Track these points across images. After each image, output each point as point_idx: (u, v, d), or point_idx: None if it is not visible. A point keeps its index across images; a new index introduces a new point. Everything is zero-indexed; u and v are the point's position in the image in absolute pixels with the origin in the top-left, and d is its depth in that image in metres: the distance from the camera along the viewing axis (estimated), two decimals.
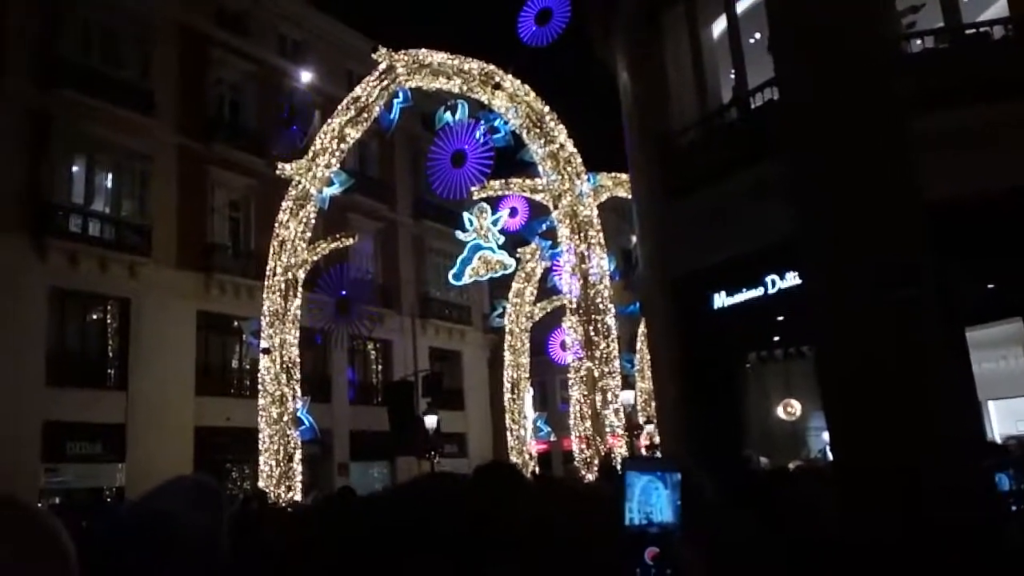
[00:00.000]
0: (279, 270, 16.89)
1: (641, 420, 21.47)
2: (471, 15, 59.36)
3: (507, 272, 18.66)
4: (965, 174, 8.58)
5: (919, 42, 9.58)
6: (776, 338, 13.03)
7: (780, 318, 11.66)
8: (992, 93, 8.76)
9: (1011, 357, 12.90)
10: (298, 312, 16.83)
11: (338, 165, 16.94)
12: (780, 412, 15.35)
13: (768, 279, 10.54)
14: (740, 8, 11.53)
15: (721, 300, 11.39)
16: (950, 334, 8.92)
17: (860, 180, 9.13)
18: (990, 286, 10.53)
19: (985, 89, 8.82)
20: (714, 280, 11.39)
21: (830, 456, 10.73)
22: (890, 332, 8.76)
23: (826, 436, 11.79)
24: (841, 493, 6.01)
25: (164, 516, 1.68)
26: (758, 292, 10.75)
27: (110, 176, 21.12)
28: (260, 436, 16.34)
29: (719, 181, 10.92)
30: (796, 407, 15.17)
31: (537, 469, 20.24)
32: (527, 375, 21.67)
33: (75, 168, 20.43)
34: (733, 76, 11.63)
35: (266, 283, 17.14)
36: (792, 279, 10.17)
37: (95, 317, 20.98)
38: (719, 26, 12.47)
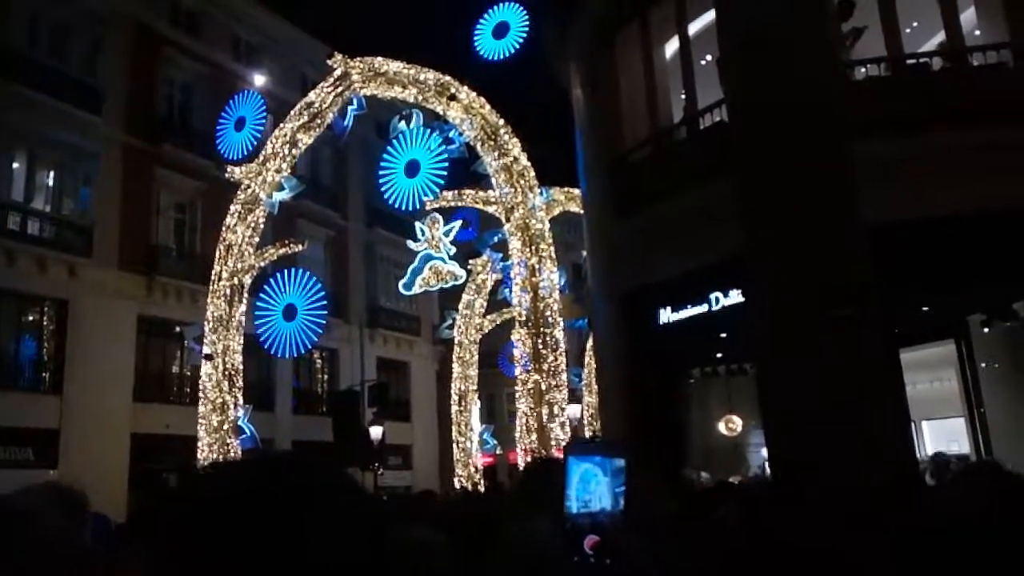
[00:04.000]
0: (225, 275, 16.59)
1: (587, 434, 21.55)
2: (428, 26, 59.38)
3: (457, 283, 18.61)
4: (902, 199, 8.87)
5: (863, 70, 9.90)
6: (719, 355, 13.26)
7: (723, 335, 11.87)
8: (930, 121, 9.08)
9: (944, 379, 13.32)
10: (243, 318, 16.53)
11: (289, 170, 16.76)
12: (722, 428, 15.57)
13: (712, 296, 10.73)
14: (692, 30, 11.77)
15: (667, 316, 11.55)
16: (887, 354, 9.18)
17: (804, 202, 9.37)
18: (925, 309, 10.88)
19: (924, 117, 9.14)
20: (660, 296, 11.55)
21: (768, 472, 10.94)
22: (830, 351, 8.98)
23: (765, 452, 12.02)
24: (778, 507, 6.13)
25: (20, 515, 1.71)
26: (702, 309, 10.93)
27: (52, 174, 20.55)
28: (199, 444, 15.97)
29: (668, 199, 11.10)
30: (737, 423, 15.40)
31: (483, 481, 20.17)
32: (475, 387, 21.61)
33: (15, 164, 19.83)
34: (684, 96, 11.85)
35: (211, 288, 16.81)
36: (736, 297, 10.36)
37: (31, 318, 20.32)
38: (671, 47, 12.71)
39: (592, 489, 1.82)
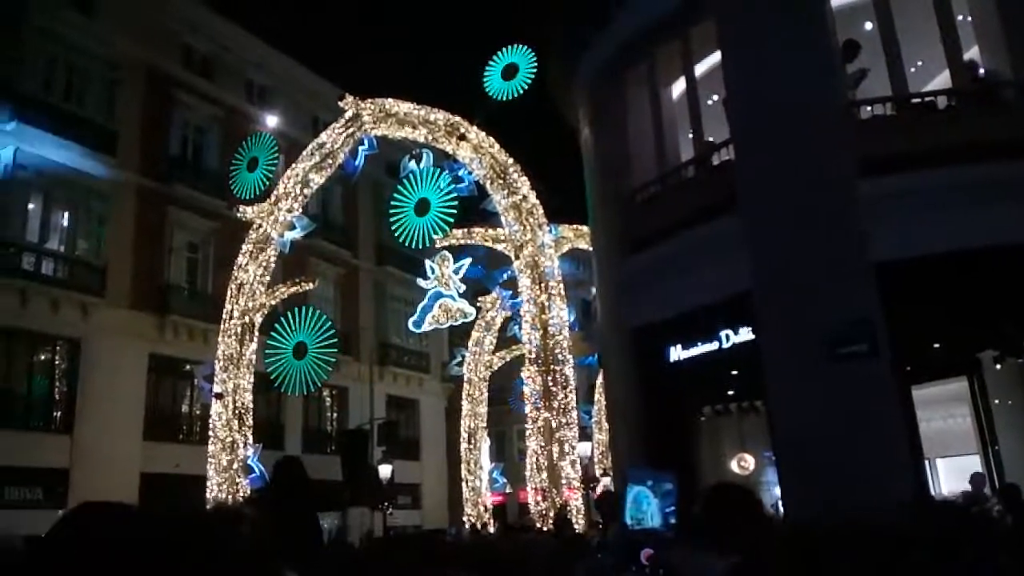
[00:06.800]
0: (236, 313, 16.68)
1: (598, 472, 21.38)
2: (439, 66, 60.30)
3: (467, 320, 18.67)
4: (911, 236, 8.90)
5: (869, 109, 10.00)
6: (730, 392, 13.19)
7: (734, 372, 11.83)
8: (936, 159, 9.14)
9: (959, 416, 13.19)
10: (253, 357, 16.58)
11: (300, 210, 16.92)
12: (734, 466, 15.42)
13: (723, 334, 10.73)
14: (698, 71, 11.93)
15: (677, 353, 11.53)
16: (898, 391, 9.15)
17: (812, 240, 9.41)
18: (936, 346, 10.83)
19: (930, 155, 9.20)
20: (670, 333, 11.55)
21: (781, 510, 10.82)
22: (840, 387, 8.95)
23: (778, 491, 11.89)
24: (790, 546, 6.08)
25: None
26: (713, 346, 10.91)
27: (66, 214, 20.80)
28: (209, 484, 15.94)
29: (676, 236, 11.17)
30: (750, 461, 15.26)
31: (492, 521, 19.99)
32: (484, 425, 21.53)
33: (31, 205, 20.08)
34: (691, 135, 11.97)
35: (222, 326, 16.90)
36: (746, 334, 10.36)
37: (43, 358, 20.39)
38: (678, 87, 12.87)
39: (644, 509, 1.93)
